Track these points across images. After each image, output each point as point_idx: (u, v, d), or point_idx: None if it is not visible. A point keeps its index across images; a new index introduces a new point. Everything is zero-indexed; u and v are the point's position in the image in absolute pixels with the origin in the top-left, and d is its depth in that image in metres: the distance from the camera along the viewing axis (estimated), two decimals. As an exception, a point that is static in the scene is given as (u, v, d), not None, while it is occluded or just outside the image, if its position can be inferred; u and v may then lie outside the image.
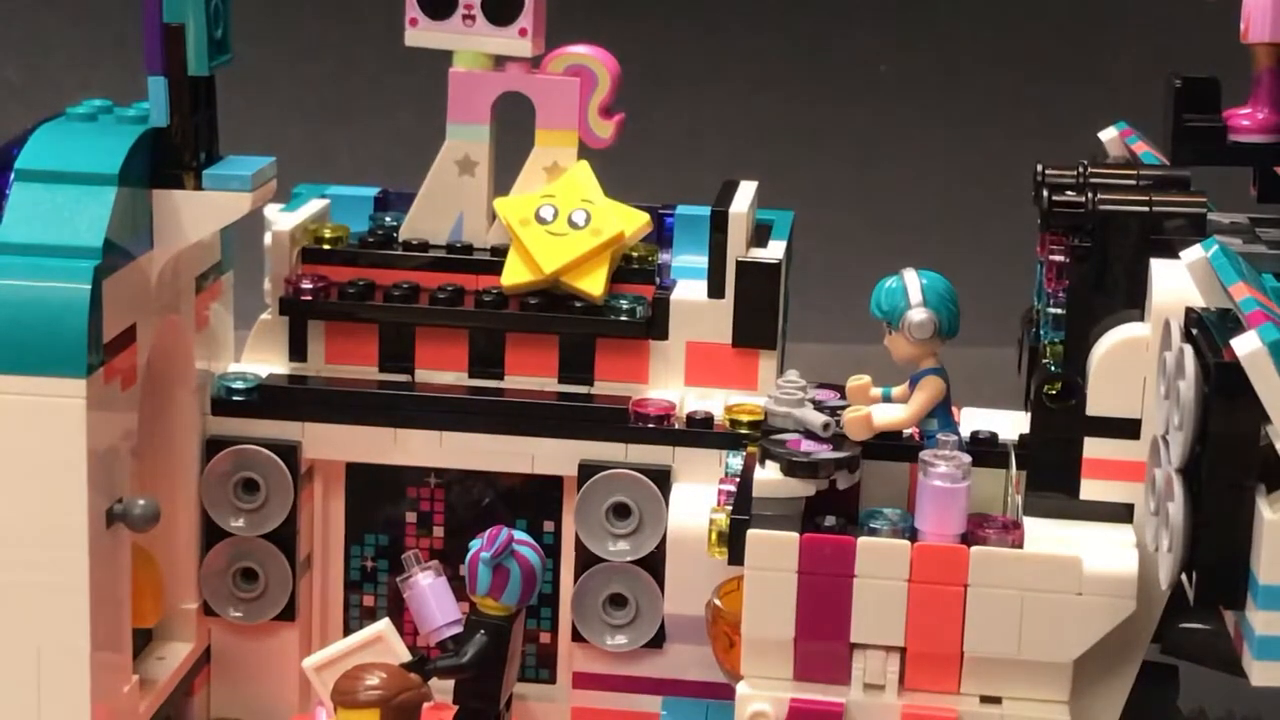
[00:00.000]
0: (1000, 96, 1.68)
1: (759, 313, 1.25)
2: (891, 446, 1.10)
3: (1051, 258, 1.08)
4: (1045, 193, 1.09)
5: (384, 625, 1.17)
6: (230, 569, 1.26)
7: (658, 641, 1.24)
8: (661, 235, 1.29)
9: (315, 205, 1.31)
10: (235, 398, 1.26)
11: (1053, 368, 1.08)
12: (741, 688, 1.04)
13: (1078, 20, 1.57)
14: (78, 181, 1.10)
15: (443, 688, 1.17)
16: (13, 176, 1.10)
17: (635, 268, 1.27)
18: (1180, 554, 0.94)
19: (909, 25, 1.80)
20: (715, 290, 1.25)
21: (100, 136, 1.13)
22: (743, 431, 1.21)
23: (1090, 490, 1.08)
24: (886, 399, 1.10)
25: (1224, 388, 0.91)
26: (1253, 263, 1.02)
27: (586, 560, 1.24)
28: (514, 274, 1.25)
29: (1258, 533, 0.91)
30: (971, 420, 1.16)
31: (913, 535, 1.02)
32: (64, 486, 1.07)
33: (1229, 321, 0.94)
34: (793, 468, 1.05)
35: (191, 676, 1.25)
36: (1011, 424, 1.15)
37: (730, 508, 1.10)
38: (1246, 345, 0.89)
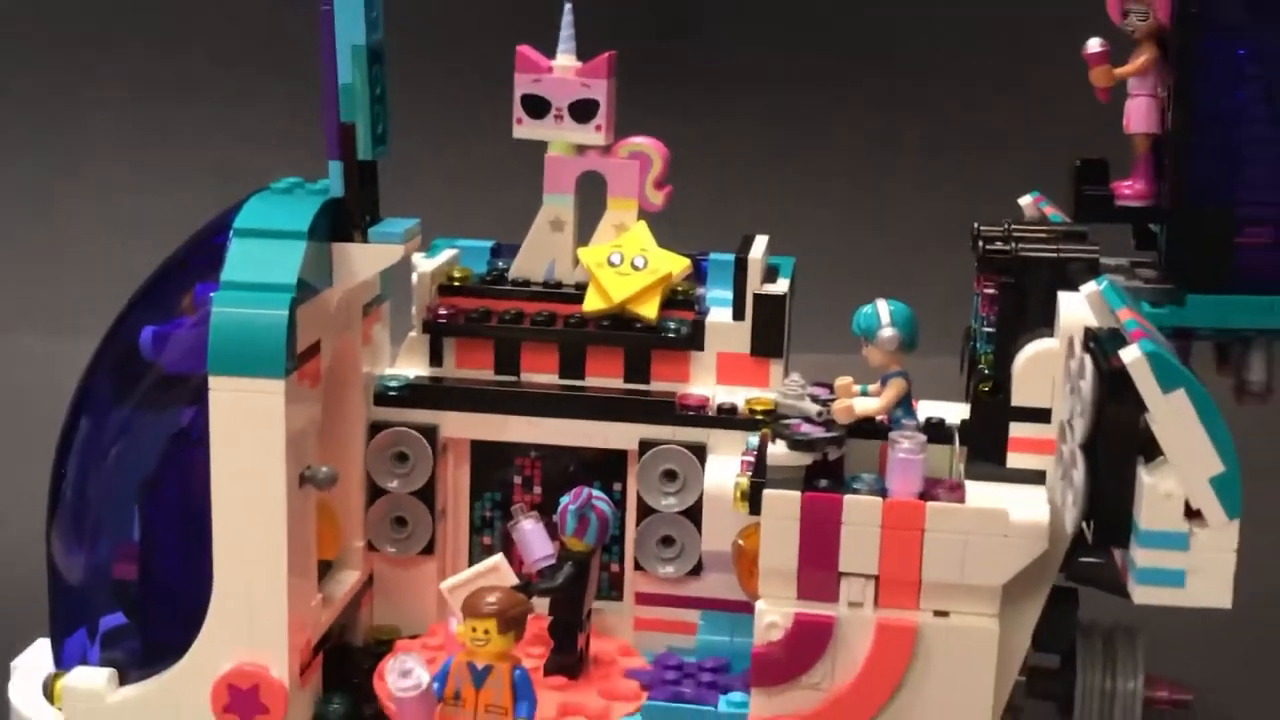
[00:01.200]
0: (949, 172, 1.68)
1: (770, 331, 1.24)
2: (868, 429, 1.10)
3: (985, 291, 1.08)
4: (980, 243, 1.09)
5: (498, 558, 1.17)
6: (387, 517, 1.26)
7: (697, 570, 1.24)
8: (699, 274, 1.29)
9: (448, 253, 1.31)
10: (391, 393, 1.26)
11: (986, 372, 1.08)
12: (759, 605, 1.04)
13: (1009, 115, 1.56)
14: (278, 237, 1.10)
15: (540, 604, 1.17)
16: (231, 234, 1.11)
17: (679, 298, 1.26)
18: (1081, 508, 0.95)
19: (887, 118, 1.79)
20: (738, 314, 1.24)
21: (295, 204, 1.13)
22: (759, 418, 1.20)
23: (1014, 461, 1.07)
24: (864, 394, 1.10)
25: (1114, 386, 0.92)
26: (1133, 294, 1.04)
27: (644, 511, 1.24)
28: (592, 303, 1.24)
29: (1139, 492, 0.93)
30: (926, 410, 1.15)
31: (884, 494, 1.02)
32: (269, 458, 1.08)
33: (1117, 338, 0.94)
34: (795, 445, 1.05)
35: (359, 595, 1.26)
36: (956, 413, 1.15)
37: (750, 474, 1.09)
38: (1130, 355, 0.91)
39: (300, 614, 1.12)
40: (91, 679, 1.12)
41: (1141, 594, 0.93)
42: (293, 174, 1.19)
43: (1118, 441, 0.93)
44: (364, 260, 1.16)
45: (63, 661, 1.17)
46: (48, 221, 1.78)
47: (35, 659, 1.20)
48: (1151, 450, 0.92)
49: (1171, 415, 0.91)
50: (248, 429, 1.07)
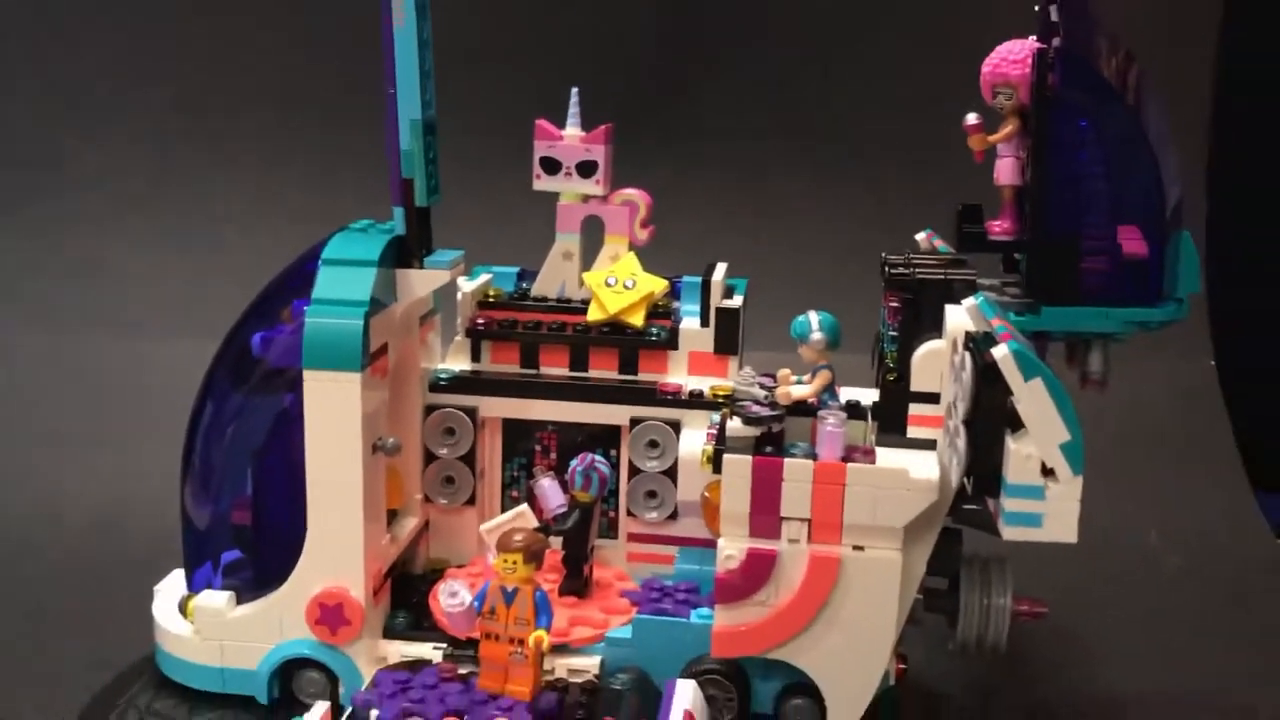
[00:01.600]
0: (866, 214, 1.68)
1: (728, 335, 1.24)
2: (802, 409, 1.10)
3: (890, 304, 1.07)
4: (886, 268, 1.08)
5: (524, 508, 1.17)
6: (439, 476, 1.26)
7: (674, 516, 1.24)
8: (674, 293, 1.28)
9: (484, 277, 1.31)
10: (441, 382, 1.25)
11: (891, 365, 1.08)
12: (721, 542, 1.04)
13: (914, 171, 1.57)
14: (355, 264, 1.10)
15: (555, 543, 1.17)
16: (320, 262, 1.11)
17: (660, 310, 1.26)
18: (963, 467, 0.96)
19: (819, 174, 1.80)
20: (704, 323, 1.24)
21: (368, 239, 1.14)
22: (720, 401, 1.20)
23: (913, 432, 1.07)
24: (799, 383, 1.10)
25: (987, 376, 0.92)
26: (1002, 307, 1.04)
27: (634, 471, 1.24)
28: (594, 314, 1.24)
29: (1006, 456, 0.93)
30: (846, 394, 1.15)
31: (814, 457, 1.02)
32: (348, 432, 1.08)
33: (989, 339, 0.94)
34: (747, 421, 1.05)
35: (418, 536, 1.25)
36: (868, 397, 1.15)
37: (714, 443, 1.09)
38: (1000, 352, 0.91)
39: (373, 549, 1.12)
40: (215, 600, 1.13)
41: (1009, 532, 0.94)
42: (367, 216, 1.19)
43: (990, 417, 0.93)
44: (420, 282, 1.16)
45: (193, 586, 1.17)
46: (184, 251, 1.78)
47: (172, 585, 1.20)
48: (1016, 424, 0.92)
49: (1031, 397, 0.91)
50: (333, 410, 1.07)
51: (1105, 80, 1.01)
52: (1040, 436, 0.91)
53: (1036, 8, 1.02)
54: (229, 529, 1.16)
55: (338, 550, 1.09)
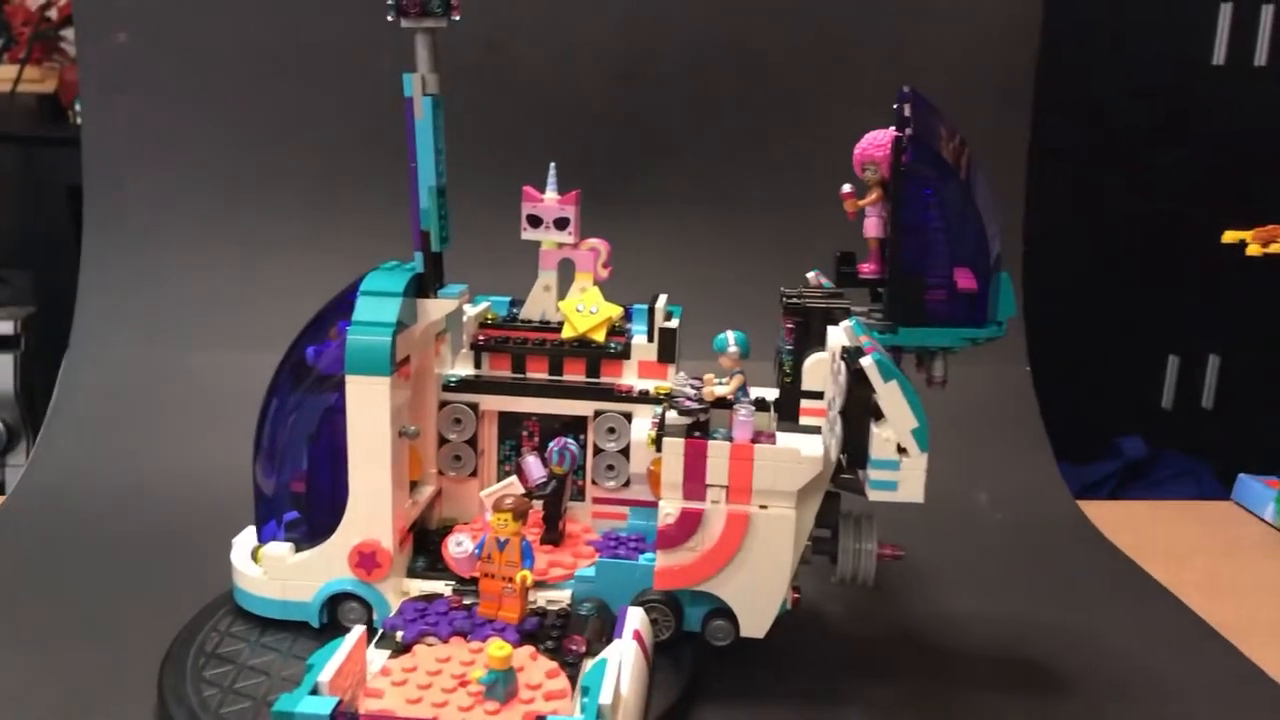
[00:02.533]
0: (769, 258, 1.68)
1: (667, 348, 1.24)
2: (722, 404, 1.09)
3: (787, 325, 1.08)
4: (784, 298, 1.09)
5: (513, 479, 1.17)
6: (450, 455, 1.25)
7: (627, 484, 1.23)
8: (628, 316, 1.28)
9: (484, 304, 1.30)
10: (451, 384, 1.24)
11: (787, 371, 1.08)
12: (661, 503, 1.04)
13: (801, 226, 1.57)
14: (386, 295, 1.10)
15: (537, 505, 1.17)
16: (359, 293, 1.10)
17: (616, 329, 1.26)
18: (839, 447, 0.96)
19: (734, 228, 1.78)
20: (650, 339, 1.24)
21: (395, 275, 1.13)
22: (661, 398, 1.20)
23: (804, 420, 1.07)
24: (720, 384, 1.10)
25: (857, 379, 0.93)
26: (868, 327, 1.03)
27: (596, 450, 1.23)
28: (567, 332, 1.24)
29: (871, 438, 0.94)
30: (755, 392, 1.15)
31: (730, 440, 1.02)
32: (380, 422, 1.07)
33: (859, 351, 0.95)
34: (681, 413, 1.06)
35: (433, 500, 1.25)
36: (771, 394, 1.15)
37: (656, 429, 1.10)
38: (866, 361, 0.92)
39: (399, 510, 1.12)
40: (280, 549, 1.12)
41: (873, 494, 0.94)
42: (395, 258, 1.18)
43: (859, 409, 0.94)
44: (435, 308, 1.16)
45: (261, 539, 1.17)
46: (252, 282, 1.76)
47: (245, 538, 1.20)
48: (878, 414, 0.93)
49: (889, 395, 0.92)
50: (368, 406, 1.07)
51: (944, 160, 1.00)
52: (896, 423, 0.92)
53: (895, 106, 1.02)
54: (289, 495, 1.15)
55: (372, 511, 1.09)
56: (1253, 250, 1.35)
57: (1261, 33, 1.96)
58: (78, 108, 1.85)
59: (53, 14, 2.46)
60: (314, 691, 0.88)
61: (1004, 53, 1.76)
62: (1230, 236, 1.35)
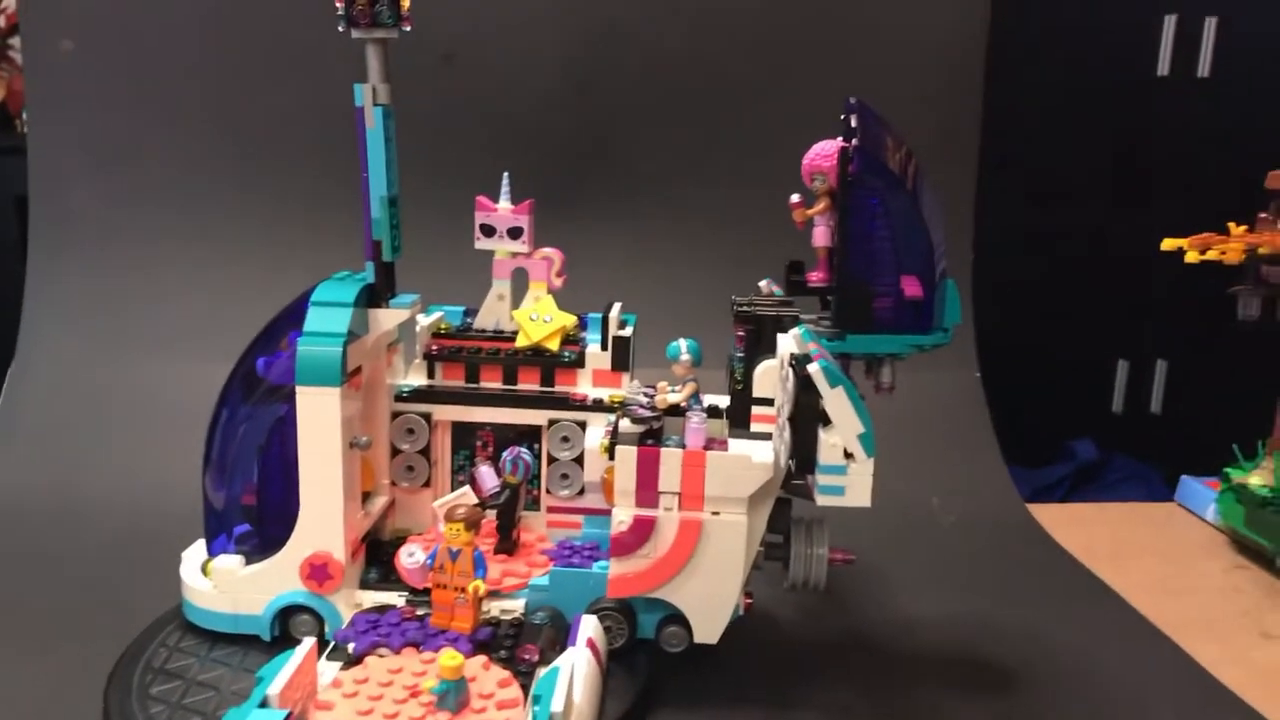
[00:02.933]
0: (722, 268, 1.64)
1: (621, 356, 1.24)
2: (675, 411, 1.10)
3: (738, 333, 1.08)
4: (735, 307, 1.09)
5: (466, 489, 1.16)
6: (402, 465, 1.25)
7: (581, 493, 1.23)
8: (582, 325, 1.28)
9: (437, 314, 1.29)
10: (404, 394, 1.24)
11: (738, 378, 1.08)
12: (615, 510, 1.04)
13: (754, 235, 1.56)
14: (337, 305, 1.09)
15: (491, 515, 1.17)
16: (310, 303, 1.09)
17: (570, 338, 1.25)
18: (789, 453, 0.96)
19: (692, 239, 1.78)
20: (604, 347, 1.24)
21: (346, 286, 1.12)
22: (614, 406, 1.20)
23: (755, 427, 1.07)
24: (673, 392, 1.10)
25: (805, 385, 0.93)
26: (817, 334, 1.05)
27: (550, 459, 1.23)
28: (521, 341, 1.24)
29: (819, 444, 0.93)
30: (708, 400, 1.16)
31: (683, 447, 1.02)
32: (331, 432, 1.06)
33: (807, 358, 0.95)
34: (634, 420, 1.06)
35: (386, 511, 1.24)
36: (723, 402, 1.15)
37: (610, 437, 1.10)
38: (814, 368, 0.92)
39: (351, 522, 1.11)
40: (229, 562, 1.11)
41: (821, 499, 0.94)
42: (346, 268, 1.18)
43: (807, 416, 0.94)
44: (387, 318, 1.16)
45: (211, 552, 1.15)
46: (201, 292, 1.75)
47: (195, 552, 1.18)
48: (826, 420, 0.93)
49: (835, 401, 0.92)
50: (319, 416, 1.06)
51: (891, 171, 1.01)
52: (843, 429, 0.92)
53: (842, 117, 1.03)
54: (239, 508, 1.14)
55: (323, 523, 1.08)
56: (1191, 257, 1.39)
57: (1205, 44, 2.01)
58: (25, 116, 1.83)
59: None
60: (263, 704, 0.87)
61: (952, 63, 1.79)
62: (1169, 244, 1.39)
